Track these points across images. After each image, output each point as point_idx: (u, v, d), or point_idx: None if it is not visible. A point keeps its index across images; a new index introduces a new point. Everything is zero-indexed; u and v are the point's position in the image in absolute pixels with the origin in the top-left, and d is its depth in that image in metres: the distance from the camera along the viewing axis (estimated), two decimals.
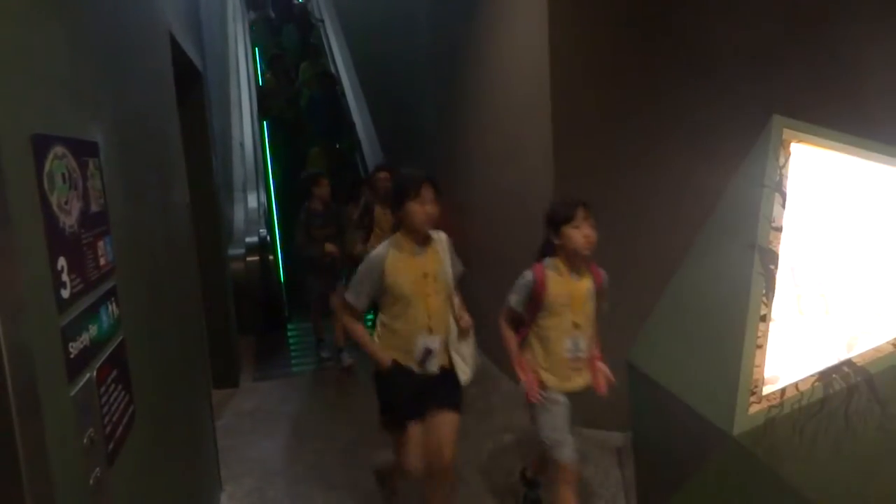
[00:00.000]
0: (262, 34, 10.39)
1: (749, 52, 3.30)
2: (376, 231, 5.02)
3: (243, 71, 8.60)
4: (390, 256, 2.42)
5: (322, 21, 10.31)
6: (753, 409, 1.91)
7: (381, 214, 4.72)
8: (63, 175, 1.13)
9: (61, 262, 1.09)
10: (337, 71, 9.22)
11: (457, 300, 2.59)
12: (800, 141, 2.15)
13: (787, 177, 2.09)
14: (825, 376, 1.97)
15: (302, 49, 10.04)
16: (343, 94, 8.78)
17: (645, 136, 3.38)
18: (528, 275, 2.50)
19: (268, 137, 8.28)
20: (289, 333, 6.01)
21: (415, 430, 2.51)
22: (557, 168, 3.52)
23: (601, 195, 3.50)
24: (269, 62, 9.23)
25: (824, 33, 3.23)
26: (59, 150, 1.12)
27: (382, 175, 4.81)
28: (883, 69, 3.18)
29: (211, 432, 3.08)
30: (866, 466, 1.95)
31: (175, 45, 2.83)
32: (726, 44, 3.31)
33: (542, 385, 2.50)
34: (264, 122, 8.36)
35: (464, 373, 2.53)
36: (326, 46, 9.85)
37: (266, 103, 8.47)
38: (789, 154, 2.12)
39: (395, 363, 2.48)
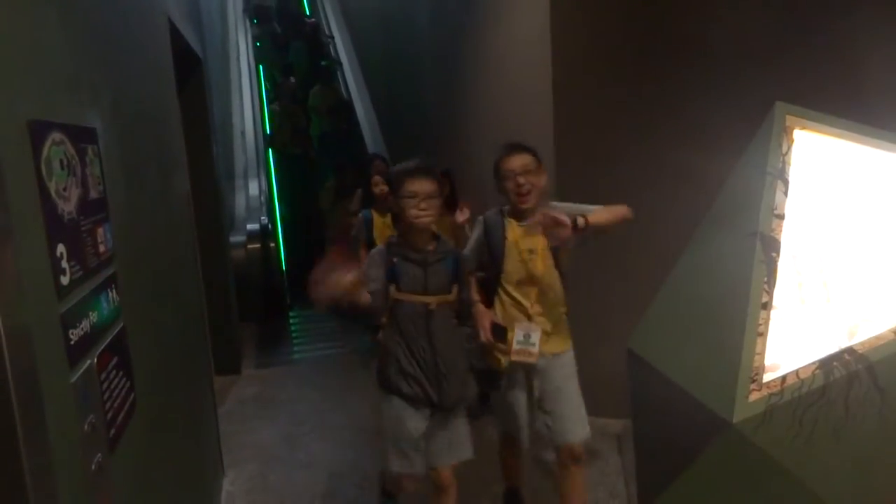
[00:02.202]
0: (268, 51, 9.49)
1: (750, 40, 3.28)
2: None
3: (244, 65, 8.33)
4: None
5: (332, 38, 9.64)
6: (753, 396, 1.92)
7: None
8: (61, 161, 1.13)
9: (60, 248, 1.09)
10: (349, 95, 8.58)
11: None
12: (803, 128, 2.14)
13: (789, 164, 2.08)
14: (826, 364, 1.97)
15: (312, 70, 9.07)
16: (358, 123, 8.05)
17: (646, 124, 3.36)
18: None
19: (274, 173, 7.45)
20: (290, 321, 6.02)
21: None
22: (558, 158, 3.50)
23: (602, 184, 3.49)
24: (275, 91, 8.37)
25: (824, 21, 3.21)
26: (56, 136, 1.12)
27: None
28: (883, 58, 3.16)
29: (213, 419, 3.10)
30: (866, 454, 1.95)
31: (174, 30, 2.82)
32: (727, 32, 3.28)
33: None
34: (269, 152, 7.64)
35: None
36: (339, 71, 9.11)
37: (272, 136, 7.75)
38: (792, 141, 2.11)
39: None
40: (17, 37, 1.04)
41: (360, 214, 4.01)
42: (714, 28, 3.29)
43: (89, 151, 1.30)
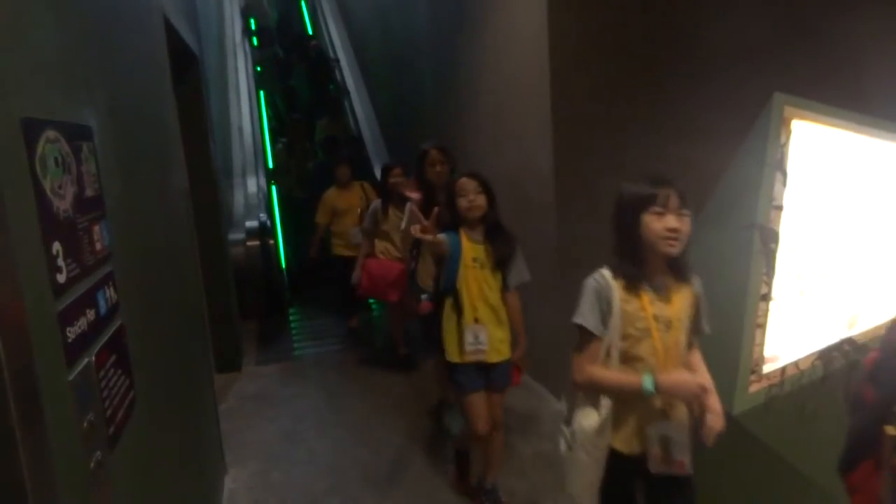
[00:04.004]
0: (270, 77, 8.99)
1: (749, 31, 3.27)
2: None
3: (242, 65, 8.15)
4: None
5: (337, 61, 9.18)
6: (754, 388, 1.92)
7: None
8: (56, 159, 1.12)
9: (56, 246, 1.08)
10: (357, 125, 8.20)
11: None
12: (801, 118, 2.13)
13: (788, 155, 2.08)
14: (825, 354, 1.98)
15: (317, 95, 8.63)
16: (369, 159, 7.68)
17: (644, 118, 3.36)
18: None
19: (277, 208, 7.08)
20: (290, 318, 6.02)
21: None
22: (556, 152, 3.50)
23: (601, 178, 3.49)
24: (288, 127, 7.81)
25: (822, 12, 3.20)
26: (51, 133, 1.11)
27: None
28: (881, 49, 3.15)
29: (214, 416, 3.10)
30: None
31: (170, 28, 2.80)
32: (726, 24, 3.28)
33: None
34: (272, 187, 7.22)
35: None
36: (346, 100, 8.67)
37: (276, 177, 7.32)
38: (790, 132, 2.11)
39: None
40: (11, 33, 1.03)
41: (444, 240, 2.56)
42: (712, 20, 3.28)
43: (84, 149, 1.29)
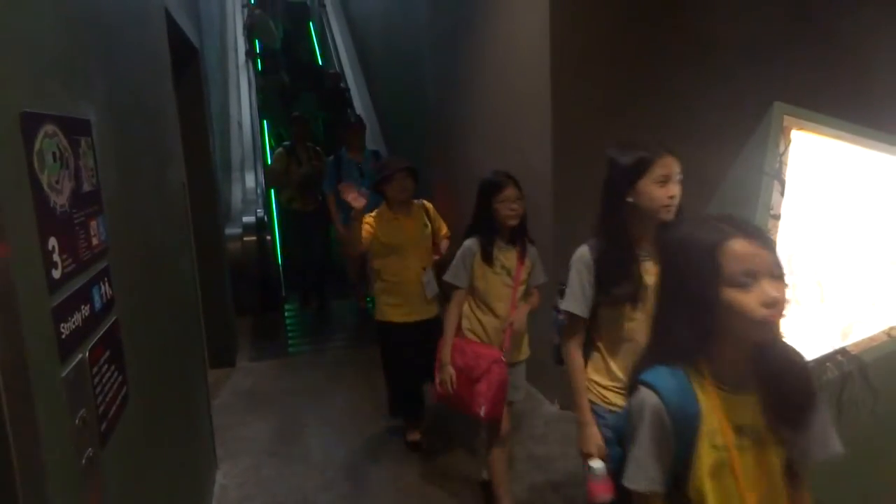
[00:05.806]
0: (274, 103, 8.42)
1: (750, 39, 3.28)
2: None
3: (244, 82, 8.00)
4: None
5: (348, 90, 8.73)
6: None
7: None
8: (54, 154, 1.12)
9: (52, 241, 1.08)
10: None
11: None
12: (801, 128, 2.13)
13: (786, 164, 2.08)
14: (819, 364, 1.98)
15: (329, 134, 7.70)
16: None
17: (644, 124, 3.35)
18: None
19: (276, 225, 6.59)
20: (286, 314, 6.01)
21: None
22: (555, 156, 3.50)
23: (600, 183, 3.48)
24: (290, 122, 6.55)
25: (826, 21, 3.20)
26: (49, 128, 1.11)
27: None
28: (885, 57, 3.16)
29: (207, 411, 3.09)
30: (858, 455, 1.96)
31: (171, 20, 2.80)
32: (727, 31, 3.28)
33: None
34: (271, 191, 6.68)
35: None
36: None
37: (272, 184, 6.49)
38: (790, 141, 2.11)
39: None
40: (9, 26, 1.03)
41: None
42: (714, 25, 3.29)
43: (83, 143, 1.29)
